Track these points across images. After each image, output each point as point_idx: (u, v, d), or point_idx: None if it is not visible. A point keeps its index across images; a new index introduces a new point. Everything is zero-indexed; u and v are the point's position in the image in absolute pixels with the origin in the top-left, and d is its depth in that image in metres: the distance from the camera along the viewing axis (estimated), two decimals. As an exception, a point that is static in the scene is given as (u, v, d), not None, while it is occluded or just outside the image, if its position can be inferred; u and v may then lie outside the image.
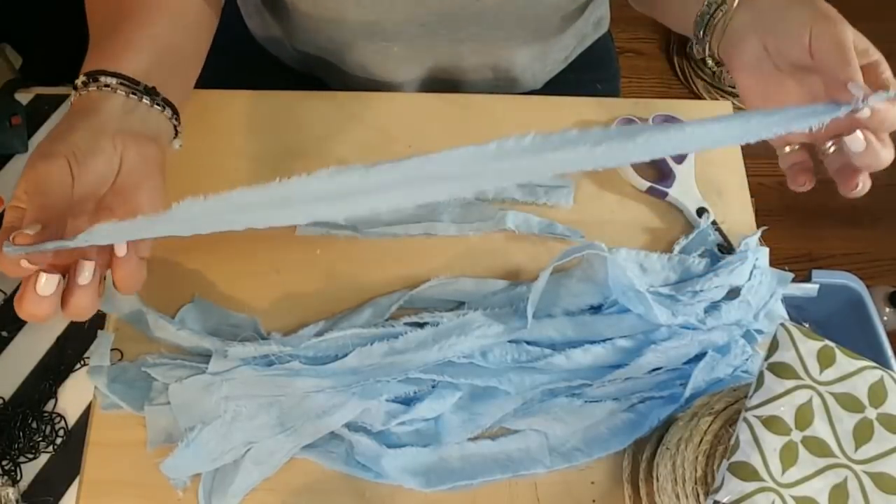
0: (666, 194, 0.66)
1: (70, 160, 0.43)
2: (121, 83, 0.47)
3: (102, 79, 0.47)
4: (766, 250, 0.64)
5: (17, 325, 0.59)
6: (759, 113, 0.43)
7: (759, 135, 0.42)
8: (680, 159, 0.67)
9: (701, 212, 0.65)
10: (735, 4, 0.52)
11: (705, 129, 0.41)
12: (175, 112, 0.51)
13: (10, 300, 0.60)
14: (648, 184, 0.66)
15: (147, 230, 0.42)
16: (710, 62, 0.58)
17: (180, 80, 0.53)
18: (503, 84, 0.79)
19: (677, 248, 0.64)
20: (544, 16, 0.66)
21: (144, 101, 0.48)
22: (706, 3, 0.53)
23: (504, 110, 0.71)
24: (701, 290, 0.60)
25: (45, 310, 0.40)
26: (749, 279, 0.62)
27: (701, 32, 0.55)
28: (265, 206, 0.42)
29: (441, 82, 0.76)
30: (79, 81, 0.47)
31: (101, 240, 0.41)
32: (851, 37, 0.46)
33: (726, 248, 0.65)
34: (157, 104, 0.49)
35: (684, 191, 0.66)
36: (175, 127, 0.51)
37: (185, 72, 0.55)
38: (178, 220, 0.42)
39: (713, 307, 0.61)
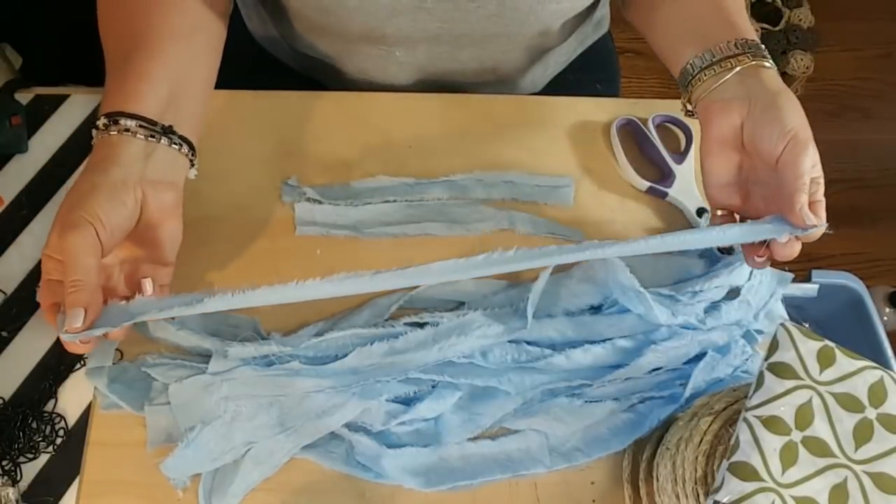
0: (666, 194, 0.66)
1: (97, 227, 0.46)
2: (140, 125, 0.50)
3: (122, 121, 0.50)
4: None
5: (17, 325, 0.59)
6: (717, 229, 0.53)
7: (710, 243, 0.54)
8: (680, 159, 0.67)
9: (701, 212, 0.65)
10: (730, 75, 0.54)
11: (666, 241, 0.52)
12: (192, 147, 0.53)
13: (10, 300, 0.60)
14: (648, 184, 0.66)
15: (179, 311, 0.49)
16: (681, 109, 0.59)
17: (195, 107, 0.55)
18: (504, 90, 0.79)
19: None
20: (546, 22, 0.67)
21: (163, 141, 0.51)
22: (698, 57, 0.56)
23: (504, 110, 0.71)
24: (701, 291, 0.60)
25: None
26: (749, 279, 0.62)
27: (687, 83, 0.57)
28: (282, 297, 0.50)
29: (441, 87, 0.76)
30: (100, 123, 0.50)
31: (140, 316, 0.48)
32: (811, 163, 0.51)
33: (726, 248, 0.65)
34: (175, 143, 0.52)
35: (684, 191, 0.66)
36: (191, 161, 0.54)
37: (199, 97, 0.57)
38: (208, 306, 0.49)
39: (713, 307, 0.61)
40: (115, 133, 0.49)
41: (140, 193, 0.49)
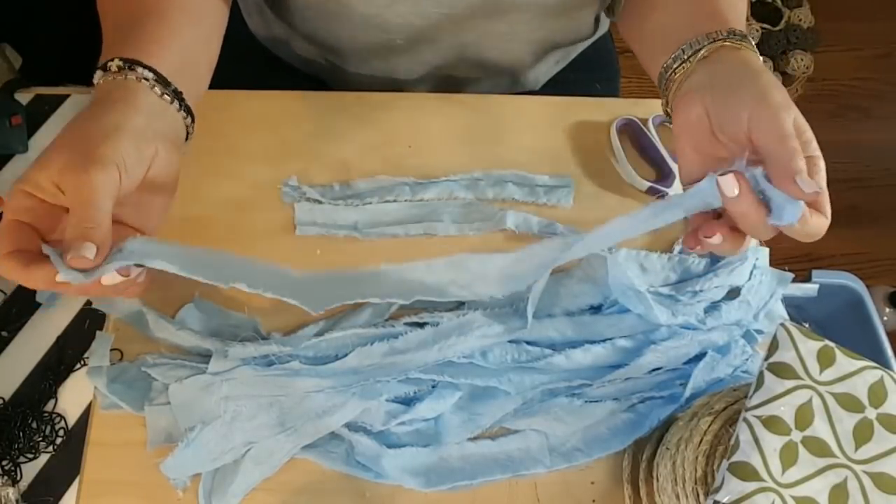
0: (666, 194, 0.66)
1: (121, 171, 0.42)
2: (156, 80, 0.46)
3: (139, 70, 0.46)
4: (766, 250, 0.64)
5: (17, 324, 0.59)
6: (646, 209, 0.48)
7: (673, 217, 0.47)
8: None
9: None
10: (695, 63, 0.49)
11: (606, 233, 0.49)
12: (193, 120, 0.50)
13: (10, 300, 0.60)
14: (648, 184, 0.66)
15: (182, 261, 0.46)
16: (666, 116, 0.57)
17: (197, 88, 0.53)
18: (505, 83, 0.79)
19: (677, 248, 0.64)
20: (550, 12, 0.66)
21: (174, 105, 0.48)
22: (672, 56, 0.51)
23: (504, 110, 0.71)
24: (701, 291, 0.60)
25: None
26: (749, 279, 0.62)
27: (663, 85, 0.53)
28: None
29: (442, 80, 0.76)
30: (113, 64, 0.46)
31: (137, 258, 0.44)
32: (791, 124, 0.43)
33: None
34: (183, 111, 0.49)
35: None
36: (187, 136, 0.51)
37: (201, 81, 0.54)
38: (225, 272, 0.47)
39: (713, 307, 0.61)
40: (133, 79, 0.45)
41: (154, 150, 0.44)
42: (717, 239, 0.46)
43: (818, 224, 0.44)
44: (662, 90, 0.54)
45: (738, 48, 0.49)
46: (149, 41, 0.48)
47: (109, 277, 0.43)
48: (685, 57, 0.50)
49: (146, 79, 0.46)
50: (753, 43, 0.50)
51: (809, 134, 0.44)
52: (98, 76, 0.46)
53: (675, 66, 0.51)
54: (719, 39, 0.49)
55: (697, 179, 0.47)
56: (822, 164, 0.44)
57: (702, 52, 0.49)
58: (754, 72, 0.47)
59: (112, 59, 0.46)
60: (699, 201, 0.45)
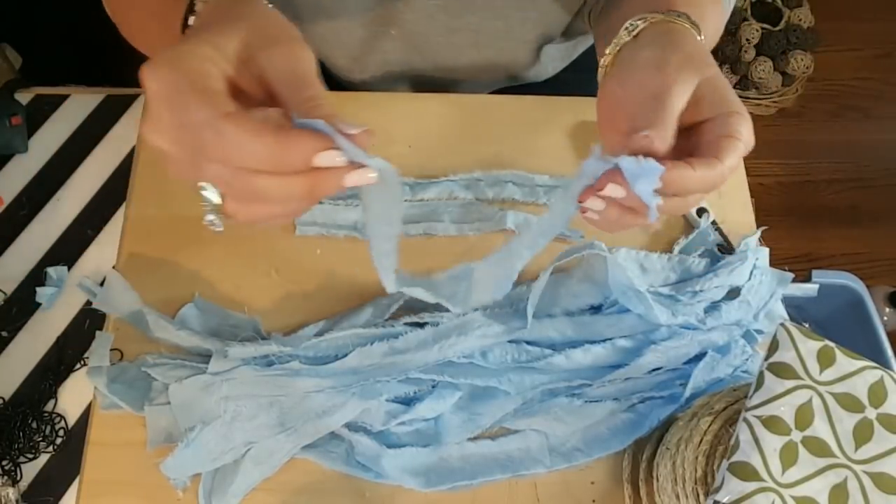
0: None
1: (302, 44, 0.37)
2: None
3: None
4: (766, 250, 0.64)
5: (17, 324, 0.59)
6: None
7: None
8: None
9: (701, 212, 0.65)
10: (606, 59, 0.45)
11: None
12: None
13: (10, 300, 0.60)
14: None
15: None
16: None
17: None
18: (500, 80, 0.79)
19: (677, 249, 0.64)
20: (547, 7, 0.66)
21: None
22: (613, 43, 0.46)
23: (504, 110, 0.71)
24: (701, 291, 0.60)
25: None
26: (749, 279, 0.62)
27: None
28: None
29: (437, 77, 0.75)
30: None
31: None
32: (676, 98, 0.39)
33: (726, 248, 0.65)
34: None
35: None
36: None
37: None
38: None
39: (713, 307, 0.61)
40: None
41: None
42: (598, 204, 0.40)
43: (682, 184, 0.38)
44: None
45: (671, 22, 0.44)
46: None
47: (376, 163, 0.35)
48: (620, 43, 0.46)
49: None
50: (699, 28, 0.44)
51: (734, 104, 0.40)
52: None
53: (612, 51, 0.46)
54: (652, 19, 0.44)
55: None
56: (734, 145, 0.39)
57: (634, 31, 0.45)
58: (669, 39, 0.42)
59: None
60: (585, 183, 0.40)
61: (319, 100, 0.35)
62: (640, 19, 0.44)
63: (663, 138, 0.39)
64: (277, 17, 0.39)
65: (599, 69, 0.47)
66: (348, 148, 0.33)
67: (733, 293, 0.62)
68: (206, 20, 0.39)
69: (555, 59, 0.81)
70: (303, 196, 0.35)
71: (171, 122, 0.34)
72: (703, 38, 0.44)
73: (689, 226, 0.66)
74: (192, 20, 0.40)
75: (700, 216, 0.65)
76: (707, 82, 0.41)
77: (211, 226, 0.38)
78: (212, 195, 0.36)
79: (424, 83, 0.77)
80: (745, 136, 0.40)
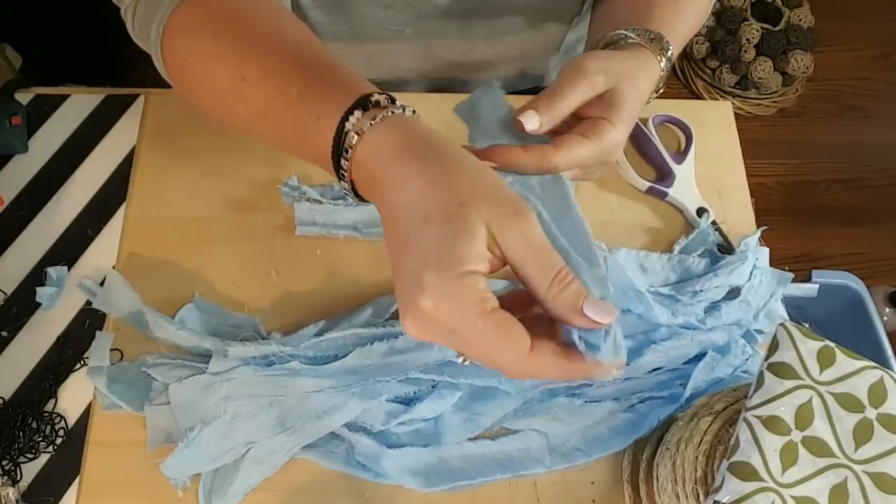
0: (666, 194, 0.66)
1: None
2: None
3: (397, 103, 0.39)
4: (767, 250, 0.64)
5: (17, 324, 0.59)
6: None
7: None
8: (680, 159, 0.67)
9: (701, 212, 0.65)
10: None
11: None
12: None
13: (10, 300, 0.60)
14: (648, 184, 0.66)
15: None
16: None
17: None
18: (512, 80, 0.78)
19: (677, 248, 0.64)
20: (559, 6, 0.67)
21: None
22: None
23: (504, 110, 0.71)
24: (701, 291, 0.60)
25: None
26: (749, 279, 0.62)
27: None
28: None
29: (448, 76, 0.75)
30: (382, 98, 0.38)
31: None
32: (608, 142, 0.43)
33: (726, 248, 0.65)
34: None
35: (684, 191, 0.66)
36: None
37: None
38: None
39: (713, 307, 0.61)
40: (402, 113, 0.38)
41: None
42: None
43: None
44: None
45: (638, 45, 0.48)
46: (350, 73, 0.41)
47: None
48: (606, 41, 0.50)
49: (403, 107, 0.39)
50: (667, 53, 0.48)
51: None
52: (380, 116, 0.37)
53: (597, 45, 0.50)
54: (623, 36, 0.48)
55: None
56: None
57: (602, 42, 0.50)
58: (624, 68, 0.45)
59: (373, 96, 0.38)
60: None
61: (565, 279, 0.35)
62: (625, 34, 0.49)
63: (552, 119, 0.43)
64: (475, 164, 0.37)
65: (585, 44, 0.51)
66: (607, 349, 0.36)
67: (733, 293, 0.62)
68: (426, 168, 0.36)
69: (559, 66, 0.81)
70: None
71: (442, 335, 0.35)
72: (668, 55, 0.48)
73: (690, 226, 0.66)
74: (345, 164, 0.37)
75: (700, 216, 0.65)
76: (618, 93, 0.44)
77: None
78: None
79: (436, 84, 0.77)
80: (602, 139, 0.44)
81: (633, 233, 0.66)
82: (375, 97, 0.38)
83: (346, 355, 0.56)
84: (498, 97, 0.45)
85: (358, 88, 0.38)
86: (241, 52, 0.43)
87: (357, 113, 0.37)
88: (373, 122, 0.37)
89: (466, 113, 0.46)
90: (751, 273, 0.62)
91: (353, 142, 0.37)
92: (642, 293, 0.57)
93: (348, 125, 0.37)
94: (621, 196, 0.68)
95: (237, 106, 0.44)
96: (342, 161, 0.37)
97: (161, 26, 0.47)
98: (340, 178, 0.39)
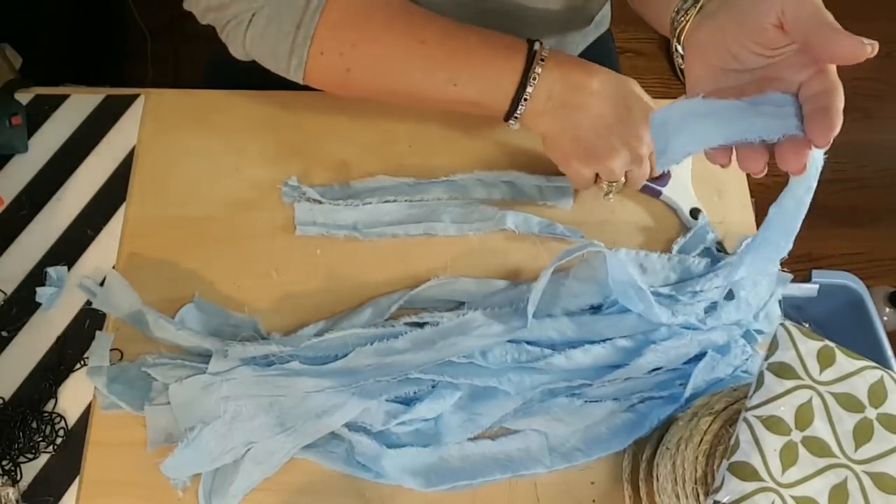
0: (660, 193, 0.66)
1: None
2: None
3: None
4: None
5: (17, 324, 0.59)
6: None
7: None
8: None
9: (695, 213, 0.65)
10: None
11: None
12: None
13: (10, 300, 0.60)
14: (643, 182, 0.66)
15: None
16: (679, 64, 0.55)
17: None
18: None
19: (676, 248, 0.64)
20: (568, 13, 0.67)
21: None
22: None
23: (504, 110, 0.71)
24: (701, 291, 0.60)
25: None
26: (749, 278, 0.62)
27: (676, 33, 0.51)
28: None
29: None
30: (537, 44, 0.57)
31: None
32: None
33: (723, 247, 0.65)
34: None
35: (679, 190, 0.66)
36: None
37: None
38: None
39: (713, 307, 0.61)
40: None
41: None
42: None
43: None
44: (674, 32, 0.51)
45: None
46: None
47: None
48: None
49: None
50: None
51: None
52: (538, 68, 0.56)
53: (686, 7, 0.49)
54: None
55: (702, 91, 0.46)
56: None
57: None
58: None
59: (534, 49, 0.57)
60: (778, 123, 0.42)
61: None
62: None
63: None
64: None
65: (678, 21, 0.50)
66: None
67: (733, 293, 0.62)
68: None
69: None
70: None
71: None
72: None
73: (683, 227, 0.66)
74: (521, 109, 0.58)
75: (695, 217, 0.65)
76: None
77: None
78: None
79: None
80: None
81: (633, 233, 0.66)
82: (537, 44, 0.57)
83: (345, 355, 0.56)
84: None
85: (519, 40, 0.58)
86: (414, 24, 0.58)
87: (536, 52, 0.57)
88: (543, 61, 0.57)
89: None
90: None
91: (535, 81, 0.56)
92: (642, 289, 0.56)
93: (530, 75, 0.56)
94: (621, 196, 0.68)
95: (416, 68, 0.58)
96: (527, 91, 0.57)
97: (311, 30, 0.56)
98: (515, 107, 0.58)
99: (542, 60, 0.56)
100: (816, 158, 0.43)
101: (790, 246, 0.49)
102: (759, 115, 0.42)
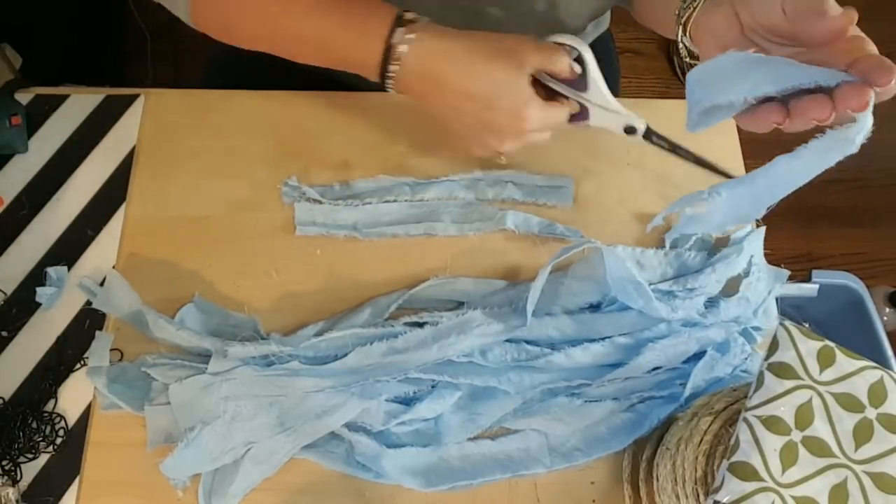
0: (587, 126, 0.58)
1: None
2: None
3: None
4: (762, 231, 0.64)
5: (17, 324, 0.59)
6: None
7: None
8: (582, 85, 0.58)
9: (630, 130, 0.58)
10: None
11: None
12: None
13: (10, 300, 0.60)
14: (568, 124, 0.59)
15: None
16: (685, 55, 0.53)
17: None
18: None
19: (668, 240, 0.64)
20: (567, 21, 0.67)
21: None
22: None
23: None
24: (700, 286, 0.60)
25: None
26: (747, 276, 0.62)
27: (682, 21, 0.51)
28: None
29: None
30: (411, 15, 0.53)
31: None
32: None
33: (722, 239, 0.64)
34: None
35: (604, 116, 0.58)
36: None
37: None
38: None
39: (712, 304, 0.60)
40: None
41: None
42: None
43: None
44: (680, 21, 0.51)
45: None
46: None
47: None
48: None
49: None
50: None
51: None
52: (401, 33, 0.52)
53: (687, 2, 0.50)
54: None
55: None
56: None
57: None
58: None
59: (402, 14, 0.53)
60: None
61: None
62: None
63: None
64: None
65: (686, 29, 0.51)
66: None
67: (731, 286, 0.61)
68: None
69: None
70: None
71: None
72: None
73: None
74: (395, 69, 0.53)
75: (630, 134, 0.57)
76: None
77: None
78: None
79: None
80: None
81: (631, 233, 0.66)
82: (407, 15, 0.52)
83: (345, 355, 0.56)
84: None
85: (389, 10, 0.53)
86: None
87: (400, 30, 0.52)
88: (412, 36, 0.52)
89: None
90: (749, 264, 0.62)
91: (405, 50, 0.52)
92: (641, 284, 0.56)
93: (394, 40, 0.52)
94: (621, 196, 0.68)
95: (284, 36, 0.57)
96: (390, 68, 0.53)
97: None
98: (385, 80, 0.54)
99: (410, 30, 0.53)
100: (865, 125, 0.44)
101: (775, 201, 0.48)
102: (810, 66, 0.43)
